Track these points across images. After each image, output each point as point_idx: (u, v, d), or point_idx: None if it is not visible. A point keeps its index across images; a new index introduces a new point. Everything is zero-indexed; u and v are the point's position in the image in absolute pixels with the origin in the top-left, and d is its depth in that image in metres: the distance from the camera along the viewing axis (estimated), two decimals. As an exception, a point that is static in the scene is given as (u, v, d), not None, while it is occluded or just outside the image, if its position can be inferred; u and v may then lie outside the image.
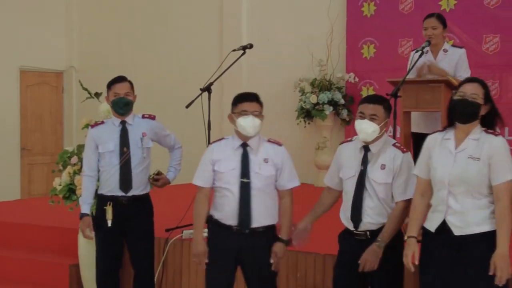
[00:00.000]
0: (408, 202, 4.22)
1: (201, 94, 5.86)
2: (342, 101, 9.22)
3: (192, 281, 5.68)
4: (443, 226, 3.86)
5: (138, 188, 5.23)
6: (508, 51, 8.35)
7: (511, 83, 8.37)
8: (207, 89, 5.91)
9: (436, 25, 6.03)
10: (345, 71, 9.54)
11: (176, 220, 5.92)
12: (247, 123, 4.37)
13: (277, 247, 4.44)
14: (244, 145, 4.49)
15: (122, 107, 5.19)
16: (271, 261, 4.42)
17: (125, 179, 5.18)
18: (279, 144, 4.56)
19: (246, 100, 4.45)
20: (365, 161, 4.26)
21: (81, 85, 6.30)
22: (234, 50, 6.29)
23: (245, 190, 4.41)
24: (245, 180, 4.41)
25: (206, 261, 4.49)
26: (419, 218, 4.02)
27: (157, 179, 5.45)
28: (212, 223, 4.58)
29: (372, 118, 4.19)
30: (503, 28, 8.39)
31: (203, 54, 10.44)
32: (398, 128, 5.83)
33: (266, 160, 4.46)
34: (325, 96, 9.18)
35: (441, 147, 3.95)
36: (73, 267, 6.19)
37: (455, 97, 3.88)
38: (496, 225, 3.78)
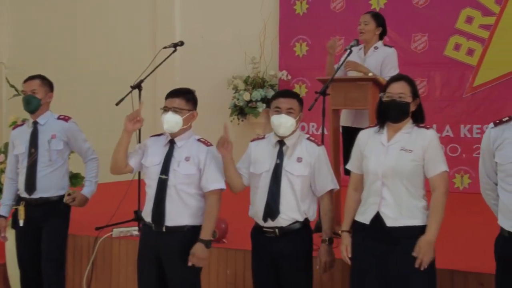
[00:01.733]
0: (331, 193, 4.34)
1: (131, 91, 5.83)
2: (275, 99, 9.27)
3: (122, 280, 5.63)
4: (377, 218, 3.89)
5: (47, 191, 5.07)
6: (436, 50, 8.57)
7: (438, 81, 8.59)
8: (138, 86, 5.89)
9: (368, 21, 6.12)
10: (278, 69, 9.61)
11: (106, 218, 5.87)
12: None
13: (195, 248, 4.29)
14: (172, 142, 4.44)
15: (25, 105, 5.07)
16: (189, 263, 4.30)
17: (29, 181, 5.04)
18: (207, 144, 4.43)
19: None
20: (280, 155, 4.27)
21: (8, 81, 6.20)
22: (165, 48, 6.27)
23: (161, 186, 4.35)
24: (163, 176, 4.35)
25: None
26: (352, 212, 4.07)
27: (73, 199, 5.18)
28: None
29: (289, 112, 4.22)
30: (431, 27, 8.60)
31: (137, 51, 10.31)
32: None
33: (187, 159, 4.36)
34: (258, 94, 9.25)
35: (373, 141, 4.00)
36: (0, 267, 6.08)
37: (384, 99, 3.93)
38: (429, 212, 3.85)
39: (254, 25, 9.60)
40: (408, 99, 3.89)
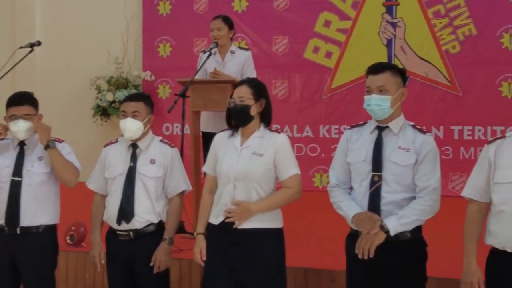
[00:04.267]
0: (182, 194, 4.39)
1: (-15, 92, 5.64)
2: (139, 99, 9.22)
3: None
4: (227, 224, 3.92)
5: None
6: (296, 52, 8.80)
7: (298, 83, 8.82)
8: (-9, 87, 5.71)
9: (221, 27, 6.20)
10: (141, 69, 9.56)
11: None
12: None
13: None
14: (22, 144, 4.45)
15: None
16: None
17: None
18: (60, 141, 4.49)
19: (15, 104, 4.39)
20: (134, 158, 4.31)
21: None
22: (21, 48, 6.09)
23: (14, 188, 4.36)
24: (16, 178, 4.36)
25: None
26: (206, 214, 4.10)
27: None
28: None
29: (134, 115, 4.27)
30: (291, 30, 8.82)
31: (-6, 49, 9.99)
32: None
33: (40, 158, 4.42)
34: (121, 94, 9.16)
35: (227, 144, 4.06)
36: None
37: (229, 105, 4.02)
38: (270, 195, 3.95)
39: (117, 25, 9.52)
40: (249, 101, 3.96)
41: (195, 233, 4.16)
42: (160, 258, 4.22)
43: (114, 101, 9.24)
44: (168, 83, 9.42)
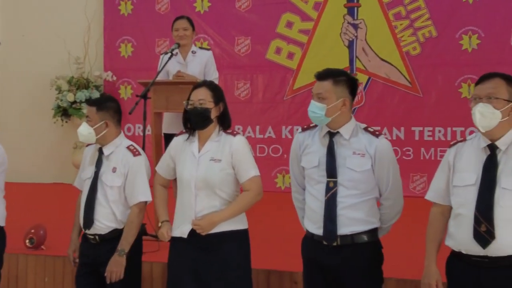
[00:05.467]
0: (141, 205, 4.24)
1: None
2: (100, 100, 9.15)
3: None
4: (194, 231, 3.88)
5: None
6: (258, 53, 8.80)
7: (261, 84, 8.81)
8: None
9: (187, 27, 6.22)
10: (103, 70, 9.48)
11: None
12: None
13: None
14: None
15: None
16: None
17: None
18: None
19: None
20: (99, 164, 4.27)
21: None
22: (-21, 48, 6.03)
23: None
24: None
25: None
26: (165, 204, 4.11)
27: None
28: None
29: (87, 120, 4.26)
30: (253, 31, 8.83)
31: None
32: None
33: None
34: (82, 95, 9.09)
35: (185, 150, 4.01)
36: None
37: (187, 107, 3.95)
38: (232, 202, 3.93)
39: (78, 25, 9.43)
40: (209, 104, 3.92)
41: (160, 223, 4.08)
42: (110, 269, 4.10)
43: (75, 102, 9.16)
44: (129, 84, 9.35)
